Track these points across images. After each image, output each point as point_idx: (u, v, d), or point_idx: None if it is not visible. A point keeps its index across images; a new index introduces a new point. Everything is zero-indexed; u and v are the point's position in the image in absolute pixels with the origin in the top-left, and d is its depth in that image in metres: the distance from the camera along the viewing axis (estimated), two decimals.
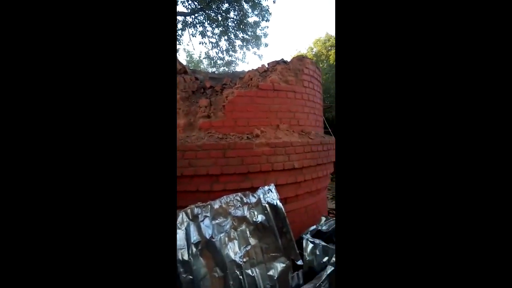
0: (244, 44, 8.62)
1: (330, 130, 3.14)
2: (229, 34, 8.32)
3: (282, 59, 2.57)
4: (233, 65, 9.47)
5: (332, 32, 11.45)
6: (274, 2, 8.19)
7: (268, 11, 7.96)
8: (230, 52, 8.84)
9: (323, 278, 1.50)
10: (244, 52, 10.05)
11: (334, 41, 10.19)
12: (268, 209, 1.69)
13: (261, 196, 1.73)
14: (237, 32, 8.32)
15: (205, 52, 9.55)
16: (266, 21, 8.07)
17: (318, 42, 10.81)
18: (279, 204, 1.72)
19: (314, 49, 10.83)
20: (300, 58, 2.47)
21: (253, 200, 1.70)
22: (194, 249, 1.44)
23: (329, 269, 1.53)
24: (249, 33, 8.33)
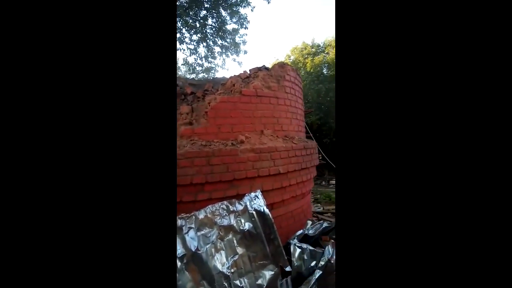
0: (223, 50, 8.63)
1: (311, 134, 3.22)
2: (208, 40, 8.28)
3: (264, 65, 2.60)
4: (213, 71, 9.41)
5: (308, 41, 11.93)
6: (252, 10, 8.34)
7: (246, 19, 8.09)
8: (209, 59, 8.79)
9: (312, 283, 1.50)
10: (223, 59, 10.07)
11: (310, 49, 10.62)
12: (255, 216, 1.67)
13: (248, 203, 1.70)
14: (216, 39, 8.31)
15: (183, 59, 9.38)
16: (244, 28, 8.18)
17: (295, 50, 11.18)
18: (266, 210, 1.70)
19: (292, 57, 11.18)
20: (281, 65, 2.52)
21: (240, 207, 1.67)
22: (179, 263, 1.35)
23: (317, 273, 1.53)
24: (228, 40, 8.37)
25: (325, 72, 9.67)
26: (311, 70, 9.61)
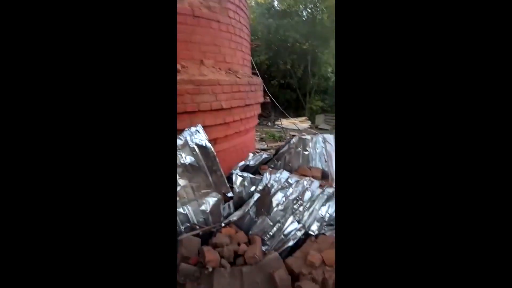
0: None
1: (257, 72, 3.09)
2: None
3: None
4: None
5: None
6: None
7: None
8: None
9: (251, 204, 1.70)
10: None
11: None
12: (197, 150, 1.65)
13: (188, 137, 1.64)
14: None
15: None
16: None
17: None
18: (208, 144, 1.69)
19: None
20: None
21: (179, 142, 1.60)
22: None
23: (256, 196, 1.72)
24: None
25: (276, 5, 8.88)
26: (261, 1, 8.67)
